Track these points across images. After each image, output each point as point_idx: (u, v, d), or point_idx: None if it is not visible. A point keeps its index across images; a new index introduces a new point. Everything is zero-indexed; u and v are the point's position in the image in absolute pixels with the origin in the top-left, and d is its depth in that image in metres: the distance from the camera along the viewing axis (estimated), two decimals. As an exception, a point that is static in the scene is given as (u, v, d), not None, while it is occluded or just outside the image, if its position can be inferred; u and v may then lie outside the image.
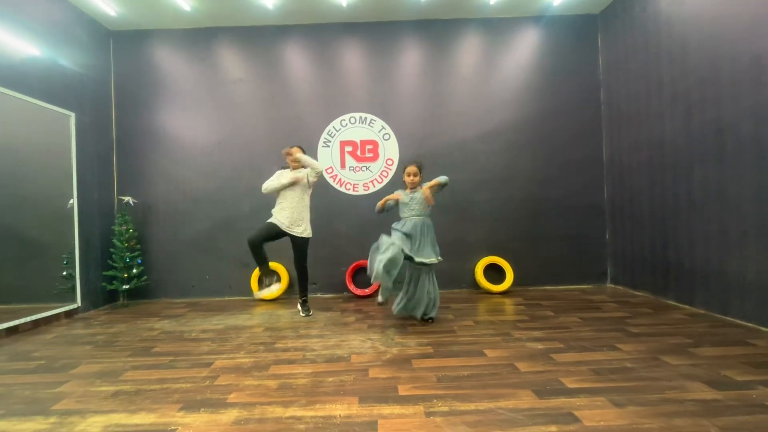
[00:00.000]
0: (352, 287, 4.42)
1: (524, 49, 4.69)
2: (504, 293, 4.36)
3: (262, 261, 3.52)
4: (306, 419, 1.75)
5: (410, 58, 4.68)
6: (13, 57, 3.38)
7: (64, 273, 3.87)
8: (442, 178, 3.14)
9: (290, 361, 2.47)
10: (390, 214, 3.43)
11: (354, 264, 4.49)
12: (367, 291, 4.39)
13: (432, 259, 3.11)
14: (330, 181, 4.65)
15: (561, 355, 2.44)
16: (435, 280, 3.24)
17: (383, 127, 4.66)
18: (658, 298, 3.85)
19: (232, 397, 1.98)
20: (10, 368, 2.50)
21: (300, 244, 3.56)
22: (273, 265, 4.45)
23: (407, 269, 3.24)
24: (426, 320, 3.22)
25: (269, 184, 3.55)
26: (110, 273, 4.21)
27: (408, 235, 3.12)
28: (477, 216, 4.63)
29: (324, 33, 4.66)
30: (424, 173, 3.30)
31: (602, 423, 1.64)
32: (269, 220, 3.54)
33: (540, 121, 4.66)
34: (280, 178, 3.57)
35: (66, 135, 3.91)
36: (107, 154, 4.50)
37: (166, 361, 2.54)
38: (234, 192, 4.59)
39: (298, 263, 3.61)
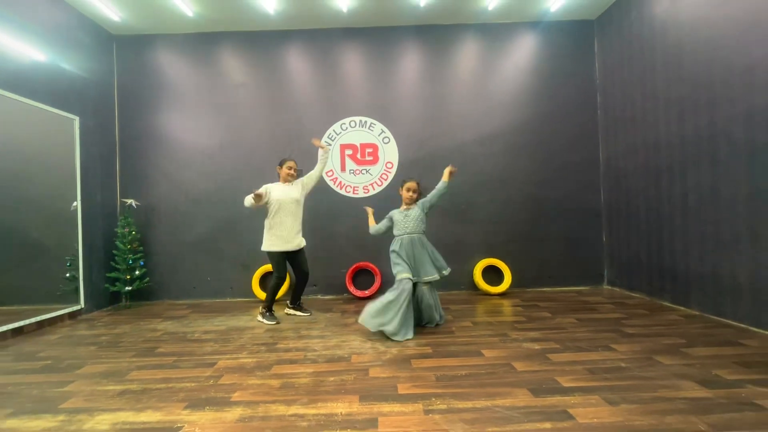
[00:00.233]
0: (352, 289, 4.47)
1: (522, 54, 4.76)
2: (502, 295, 4.41)
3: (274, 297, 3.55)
4: (308, 417, 1.80)
5: (410, 63, 4.75)
6: (18, 62, 3.44)
7: (68, 275, 3.92)
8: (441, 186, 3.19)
9: (292, 361, 2.52)
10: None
11: (354, 266, 4.54)
12: (367, 293, 4.45)
13: (434, 276, 3.10)
14: (330, 183, 4.71)
15: (557, 355, 2.49)
16: (434, 291, 3.23)
17: (383, 131, 4.73)
18: (653, 299, 3.91)
19: (236, 396, 2.03)
20: (17, 368, 2.55)
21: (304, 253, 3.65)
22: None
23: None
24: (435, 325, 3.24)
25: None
26: (113, 275, 4.26)
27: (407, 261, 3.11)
28: (475, 218, 4.69)
29: (325, 38, 4.72)
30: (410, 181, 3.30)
31: (595, 420, 1.70)
32: (276, 250, 3.46)
33: (538, 125, 4.73)
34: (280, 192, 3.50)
35: (70, 138, 3.96)
36: (110, 157, 4.56)
37: (170, 361, 2.59)
38: (235, 194, 4.61)
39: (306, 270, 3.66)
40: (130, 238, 4.30)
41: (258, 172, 4.52)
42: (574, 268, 4.69)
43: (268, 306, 3.54)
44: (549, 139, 4.73)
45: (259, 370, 2.37)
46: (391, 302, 2.88)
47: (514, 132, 4.73)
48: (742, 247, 2.96)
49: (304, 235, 3.64)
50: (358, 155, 4.73)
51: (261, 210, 3.56)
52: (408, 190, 3.22)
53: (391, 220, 3.29)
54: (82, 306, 3.98)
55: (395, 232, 3.23)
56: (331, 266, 4.62)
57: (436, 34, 4.74)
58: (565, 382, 2.07)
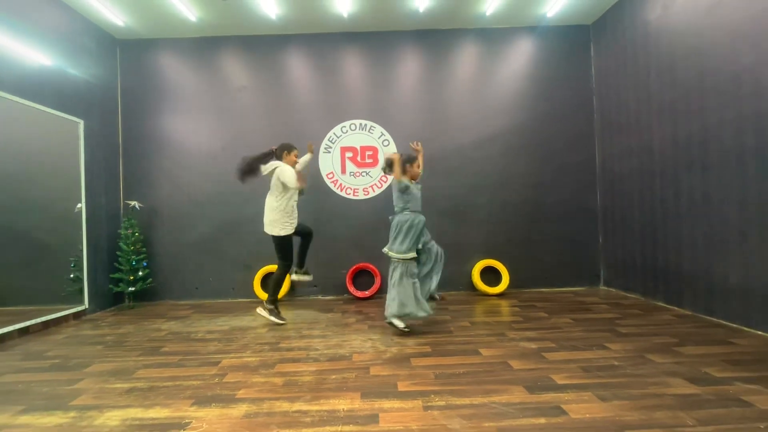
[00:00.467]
0: (352, 289, 4.54)
1: (519, 59, 4.84)
2: (500, 295, 4.49)
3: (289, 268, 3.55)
4: (311, 413, 1.87)
5: (409, 67, 4.83)
6: (24, 66, 3.50)
7: (72, 275, 3.98)
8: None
9: (295, 360, 2.59)
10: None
11: (354, 267, 4.61)
12: (367, 293, 4.51)
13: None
14: (331, 186, 4.78)
15: (552, 353, 2.56)
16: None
17: (383, 134, 4.80)
18: (648, 300, 3.98)
19: (240, 393, 2.10)
20: (26, 367, 2.61)
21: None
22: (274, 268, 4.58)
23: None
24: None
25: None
26: (117, 275, 4.32)
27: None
28: (474, 220, 4.77)
29: (325, 42, 4.80)
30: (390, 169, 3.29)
31: (587, 415, 1.77)
32: (289, 233, 3.45)
33: (535, 128, 4.81)
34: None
35: (74, 141, 4.02)
36: (114, 160, 4.62)
37: (175, 360, 2.66)
38: (237, 196, 4.70)
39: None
40: (133, 239, 4.36)
41: (259, 173, 4.58)
42: (570, 269, 4.77)
43: (275, 301, 3.49)
44: (546, 141, 4.81)
45: (262, 369, 2.44)
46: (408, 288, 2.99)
47: (512, 135, 4.81)
48: (732, 248, 3.04)
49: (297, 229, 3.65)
50: (359, 158, 4.80)
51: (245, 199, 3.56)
52: (418, 166, 3.25)
53: (410, 192, 3.11)
54: (86, 306, 4.04)
55: (412, 206, 3.10)
56: (332, 267, 4.69)
57: (434, 39, 4.82)
58: (560, 380, 2.15)
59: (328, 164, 4.79)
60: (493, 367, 2.37)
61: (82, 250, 4.02)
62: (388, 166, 3.22)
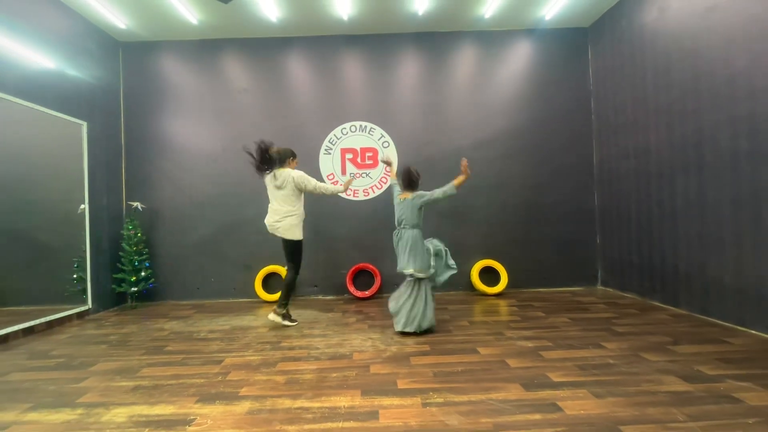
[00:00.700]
0: (352, 289, 4.59)
1: (518, 61, 4.89)
2: (498, 295, 4.54)
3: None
4: (313, 410, 1.92)
5: (408, 69, 4.88)
6: (27, 69, 3.55)
7: (75, 276, 4.02)
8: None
9: (296, 359, 2.63)
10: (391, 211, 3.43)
11: (354, 267, 4.66)
12: (367, 293, 4.56)
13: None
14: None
15: (549, 352, 2.61)
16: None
17: (383, 136, 4.85)
18: (645, 299, 4.03)
19: (243, 391, 2.14)
20: (33, 365, 2.66)
21: None
22: (279, 269, 4.62)
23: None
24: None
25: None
26: (119, 276, 4.36)
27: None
28: (473, 221, 4.81)
29: (325, 45, 4.85)
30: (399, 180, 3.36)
31: (582, 412, 1.82)
32: (302, 239, 3.50)
33: (533, 130, 4.86)
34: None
35: (77, 143, 4.07)
36: (116, 161, 4.67)
37: (178, 359, 2.70)
38: (238, 197, 4.75)
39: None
40: (135, 240, 4.40)
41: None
42: (568, 269, 4.82)
43: (287, 305, 3.50)
44: (544, 143, 4.85)
45: (264, 367, 2.49)
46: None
47: (511, 136, 4.86)
48: (727, 248, 3.09)
49: (304, 235, 3.67)
50: (359, 159, 4.85)
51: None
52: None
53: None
54: (90, 306, 4.08)
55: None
56: (332, 267, 4.73)
57: (434, 41, 4.86)
58: (556, 378, 2.19)
59: (329, 165, 4.84)
60: (490, 365, 2.42)
61: (85, 251, 4.06)
62: (414, 181, 3.19)
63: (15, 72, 3.41)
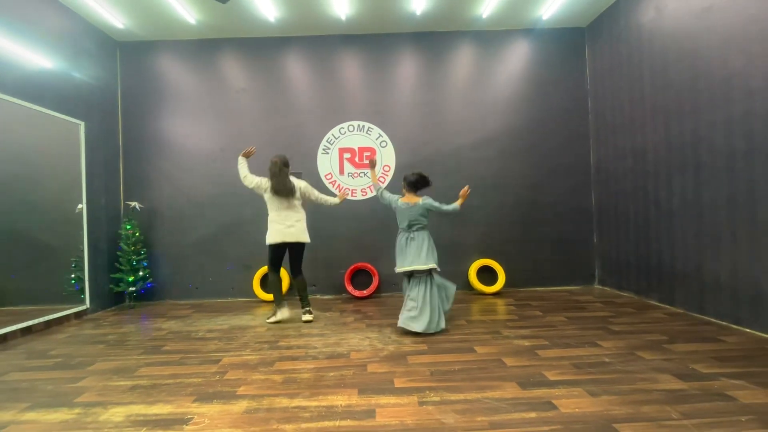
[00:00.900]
0: (350, 289, 4.60)
1: (515, 61, 4.90)
2: (496, 294, 4.55)
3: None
4: (310, 408, 1.93)
5: (406, 69, 4.88)
6: (25, 68, 3.54)
7: (73, 276, 4.02)
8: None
9: (293, 358, 2.64)
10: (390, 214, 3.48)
11: (352, 266, 4.67)
12: (365, 293, 4.57)
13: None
14: (329, 186, 4.83)
15: (545, 351, 2.63)
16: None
17: (380, 135, 4.86)
18: (641, 298, 4.05)
19: (241, 390, 2.15)
20: (31, 365, 2.66)
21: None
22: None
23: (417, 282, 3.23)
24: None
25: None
26: (117, 275, 4.36)
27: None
28: (470, 220, 4.82)
29: (323, 45, 4.85)
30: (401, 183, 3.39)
31: (577, 410, 1.83)
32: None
33: (530, 129, 4.87)
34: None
35: (75, 142, 4.07)
36: (114, 161, 4.67)
37: (176, 358, 2.71)
38: (236, 197, 4.74)
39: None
40: (133, 239, 4.41)
41: (258, 174, 4.62)
42: (566, 269, 4.84)
43: (308, 302, 3.70)
44: (542, 142, 4.87)
45: (262, 366, 2.50)
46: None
47: (508, 136, 4.87)
48: (723, 247, 3.11)
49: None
50: (357, 159, 4.86)
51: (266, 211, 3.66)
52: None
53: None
54: (88, 306, 4.08)
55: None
56: (330, 267, 4.74)
57: (431, 41, 4.87)
58: (552, 376, 2.21)
59: (327, 165, 4.84)
60: (487, 364, 2.43)
61: (83, 251, 4.06)
62: (422, 183, 3.26)
63: (13, 72, 3.41)
